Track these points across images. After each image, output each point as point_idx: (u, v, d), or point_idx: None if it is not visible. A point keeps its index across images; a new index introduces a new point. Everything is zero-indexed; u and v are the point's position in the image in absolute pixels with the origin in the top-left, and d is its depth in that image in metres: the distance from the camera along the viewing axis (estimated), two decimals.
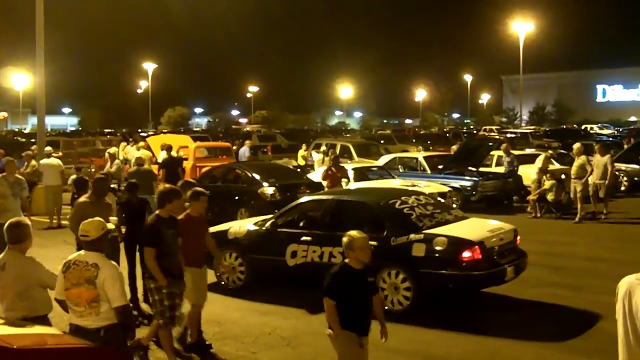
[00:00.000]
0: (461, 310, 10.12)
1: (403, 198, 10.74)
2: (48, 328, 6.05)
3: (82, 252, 6.05)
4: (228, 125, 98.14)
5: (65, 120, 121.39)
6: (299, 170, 24.24)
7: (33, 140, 35.81)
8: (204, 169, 21.98)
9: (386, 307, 9.58)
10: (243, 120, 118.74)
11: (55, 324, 6.51)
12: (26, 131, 74.56)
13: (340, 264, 6.31)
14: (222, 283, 11.29)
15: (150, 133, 53.04)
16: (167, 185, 8.90)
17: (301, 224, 11.22)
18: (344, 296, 6.07)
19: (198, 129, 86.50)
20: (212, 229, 10.11)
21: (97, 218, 6.44)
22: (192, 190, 8.83)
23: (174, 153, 20.91)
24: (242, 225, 11.75)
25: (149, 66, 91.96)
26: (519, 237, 10.70)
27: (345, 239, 6.21)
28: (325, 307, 6.11)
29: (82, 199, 10.00)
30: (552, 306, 10.20)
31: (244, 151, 27.22)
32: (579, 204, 17.88)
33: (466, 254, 9.40)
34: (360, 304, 6.19)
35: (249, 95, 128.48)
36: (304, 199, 11.95)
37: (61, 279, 5.99)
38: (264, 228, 11.29)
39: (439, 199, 12.98)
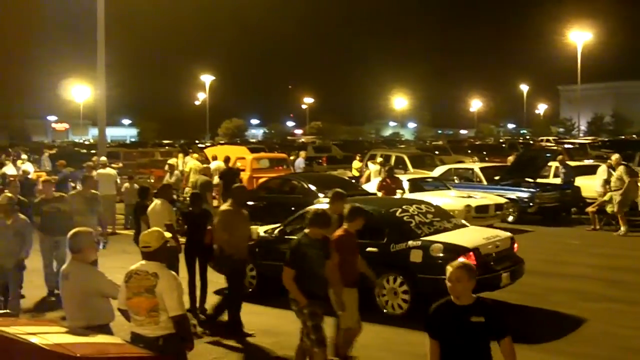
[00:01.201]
0: None
1: (404, 207, 11.23)
2: (110, 337, 6.22)
3: (143, 261, 6.13)
4: (283, 137, 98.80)
5: (125, 132, 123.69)
6: (354, 181, 24.33)
7: (93, 151, 36.69)
8: (260, 180, 22.21)
9: (385, 311, 10.35)
10: (298, 132, 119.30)
11: (116, 332, 6.62)
12: (87, 142, 76.11)
13: (445, 300, 5.16)
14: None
15: (207, 144, 53.74)
16: (350, 206, 8.60)
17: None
18: (444, 337, 5.06)
19: (254, 140, 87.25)
20: None
21: (156, 228, 6.59)
22: (352, 207, 8.50)
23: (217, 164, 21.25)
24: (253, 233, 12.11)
25: (207, 78, 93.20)
26: (516, 245, 11.01)
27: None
28: (428, 347, 5.15)
29: (225, 207, 9.97)
30: (560, 315, 10.21)
31: (300, 162, 27.44)
32: (620, 216, 17.65)
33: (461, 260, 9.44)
34: (465, 351, 5.04)
35: (304, 106, 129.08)
36: (311, 207, 12.12)
37: (123, 288, 6.10)
38: (273, 235, 11.77)
39: (466, 207, 12.86)
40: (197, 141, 69.90)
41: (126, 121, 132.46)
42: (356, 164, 28.98)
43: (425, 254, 10.07)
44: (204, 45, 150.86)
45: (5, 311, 7.75)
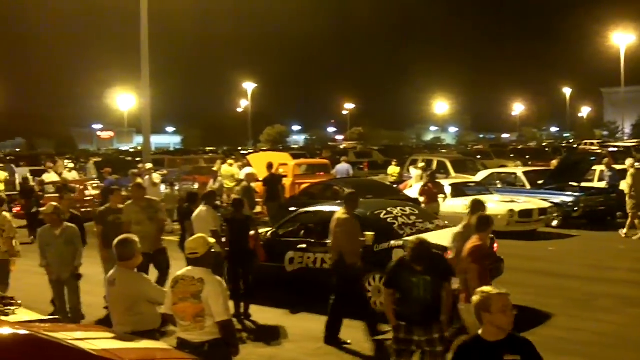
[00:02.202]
0: None
1: (389, 209, 11.78)
2: (156, 342, 6.28)
3: (189, 267, 6.22)
4: (325, 143, 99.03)
5: (169, 139, 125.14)
6: (395, 186, 24.30)
7: (138, 159, 37.24)
8: (302, 186, 22.31)
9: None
10: (339, 137, 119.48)
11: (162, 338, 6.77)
12: (132, 150, 77.16)
13: (473, 336, 4.69)
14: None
15: (250, 151, 54.15)
16: (480, 215, 8.23)
17: (298, 234, 12.37)
18: None
19: (296, 147, 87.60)
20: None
21: (202, 235, 6.67)
22: (482, 217, 8.15)
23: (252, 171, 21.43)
24: None
25: (249, 86, 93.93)
26: (495, 245, 11.27)
27: (476, 298, 4.61)
28: None
29: (342, 214, 9.69)
30: (604, 320, 10.07)
31: (341, 167, 27.49)
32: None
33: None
34: None
35: (345, 112, 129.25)
36: (301, 210, 13.07)
37: (170, 294, 6.20)
38: (266, 237, 12.25)
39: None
40: (239, 148, 70.45)
41: (170, 129, 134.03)
42: (392, 169, 28.94)
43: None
44: (246, 53, 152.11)
45: (54, 317, 7.92)
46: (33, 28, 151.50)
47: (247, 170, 22.83)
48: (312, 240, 11.79)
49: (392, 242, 10.86)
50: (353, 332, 9.60)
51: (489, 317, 4.42)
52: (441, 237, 10.63)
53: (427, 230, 11.21)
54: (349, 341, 9.46)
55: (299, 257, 11.68)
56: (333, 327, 9.58)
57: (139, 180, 20.44)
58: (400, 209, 11.87)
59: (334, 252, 9.65)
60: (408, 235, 10.73)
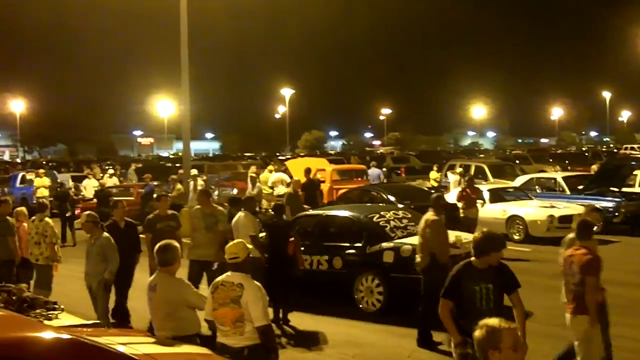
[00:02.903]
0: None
1: (382, 212, 12.36)
2: (196, 347, 6.32)
3: (229, 273, 6.26)
4: (362, 148, 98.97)
5: (208, 145, 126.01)
6: (433, 191, 24.21)
7: (178, 165, 37.59)
8: (340, 191, 22.36)
9: (360, 306, 11.26)
10: (376, 143, 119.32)
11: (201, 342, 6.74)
12: (172, 156, 77.88)
13: None
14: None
15: (287, 157, 54.34)
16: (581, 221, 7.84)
17: (306, 236, 12.62)
18: None
19: (332, 152, 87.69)
20: None
21: (241, 240, 6.76)
22: (584, 221, 7.82)
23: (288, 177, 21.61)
24: None
25: (287, 92, 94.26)
26: None
27: (479, 333, 3.98)
28: None
29: (432, 217, 9.82)
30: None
31: (372, 172, 27.46)
32: None
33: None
34: None
35: (382, 117, 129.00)
36: (301, 214, 13.65)
37: (210, 299, 6.25)
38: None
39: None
40: (277, 154, 70.72)
41: (209, 135, 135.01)
42: (434, 174, 28.83)
43: (396, 255, 11.08)
44: (284, 59, 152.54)
45: (96, 321, 8.03)
46: (75, 37, 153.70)
47: (277, 175, 23.12)
48: (308, 243, 12.19)
49: (383, 245, 11.33)
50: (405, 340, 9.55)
51: (497, 356, 3.81)
52: None
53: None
54: (441, 341, 9.27)
55: None
56: (427, 329, 9.53)
57: (179, 186, 20.78)
58: (393, 213, 12.46)
59: (424, 253, 9.73)
60: (399, 238, 11.45)
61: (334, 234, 12.36)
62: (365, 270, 11.37)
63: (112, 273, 10.07)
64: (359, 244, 11.63)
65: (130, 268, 11.03)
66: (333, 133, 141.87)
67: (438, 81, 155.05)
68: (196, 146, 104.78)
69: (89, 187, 24.03)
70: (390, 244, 11.29)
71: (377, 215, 12.15)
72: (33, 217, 12.14)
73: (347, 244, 11.81)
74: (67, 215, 21.16)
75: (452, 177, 25.51)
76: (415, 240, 10.81)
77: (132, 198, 21.72)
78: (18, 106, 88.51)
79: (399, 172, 36.87)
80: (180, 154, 63.80)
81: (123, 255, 10.24)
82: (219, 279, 6.31)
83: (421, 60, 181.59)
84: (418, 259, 9.91)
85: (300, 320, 10.98)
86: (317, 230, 12.56)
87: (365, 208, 13.70)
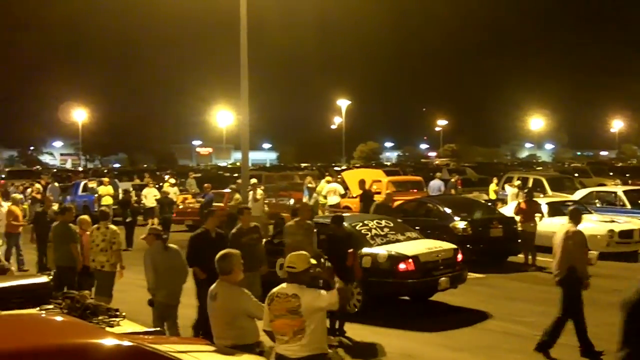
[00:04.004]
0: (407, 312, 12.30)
1: (366, 221, 13.17)
2: (255, 357, 6.45)
3: (284, 284, 6.29)
4: (417, 159, 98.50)
5: (265, 155, 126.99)
6: (490, 204, 23.98)
7: (236, 175, 38.00)
8: (395, 203, 22.28)
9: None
10: (432, 154, 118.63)
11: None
12: (230, 166, 78.71)
13: None
14: None
15: (343, 167, 54.44)
16: None
17: None
18: None
19: (388, 163, 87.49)
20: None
21: (304, 252, 6.72)
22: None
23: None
24: None
25: (343, 103, 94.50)
26: (460, 255, 12.66)
27: None
28: None
29: (570, 228, 9.82)
30: None
31: (434, 184, 27.34)
32: None
33: (402, 266, 11.71)
34: None
35: (438, 129, 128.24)
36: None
37: (267, 311, 6.28)
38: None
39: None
40: (333, 164, 70.89)
41: (266, 145, 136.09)
42: (493, 186, 28.56)
43: (373, 260, 11.93)
44: (341, 70, 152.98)
45: (157, 329, 8.18)
46: (137, 48, 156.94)
47: (331, 186, 23.31)
48: None
49: (363, 251, 12.11)
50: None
51: None
52: (407, 248, 12.18)
53: (397, 241, 12.56)
54: (602, 351, 9.21)
55: None
56: (585, 338, 9.39)
57: (238, 195, 20.99)
58: (377, 222, 13.22)
59: (563, 264, 9.61)
60: (378, 245, 12.25)
61: (321, 240, 12.41)
62: None
63: (149, 288, 9.94)
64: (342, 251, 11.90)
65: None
66: (388, 144, 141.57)
67: (495, 92, 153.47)
68: (254, 156, 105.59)
69: (149, 196, 24.51)
70: (369, 251, 12.11)
71: (361, 224, 12.96)
72: (97, 225, 12.37)
73: (332, 251, 11.91)
74: (127, 221, 21.92)
75: (510, 190, 25.23)
76: (391, 247, 12.14)
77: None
78: (80, 115, 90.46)
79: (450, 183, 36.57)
80: (238, 163, 64.51)
81: (212, 266, 10.08)
82: (274, 290, 6.32)
83: (478, 71, 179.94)
84: (555, 271, 9.77)
85: (356, 332, 10.98)
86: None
87: (352, 217, 14.56)
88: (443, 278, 11.99)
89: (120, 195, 27.70)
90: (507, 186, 26.73)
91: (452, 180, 30.61)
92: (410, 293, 12.35)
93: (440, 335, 10.81)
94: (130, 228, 21.97)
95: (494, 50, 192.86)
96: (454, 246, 12.89)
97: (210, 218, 11.20)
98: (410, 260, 11.74)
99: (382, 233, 12.73)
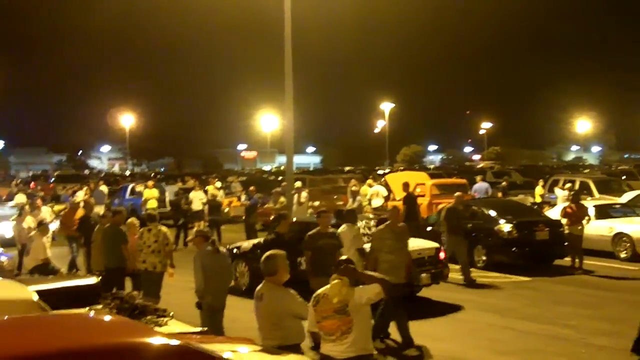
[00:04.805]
0: None
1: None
2: (301, 357, 6.51)
3: (328, 286, 6.30)
4: (461, 162, 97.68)
5: (309, 159, 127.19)
6: (535, 207, 23.75)
7: (280, 178, 38.21)
8: (440, 206, 22.18)
9: None
10: (476, 157, 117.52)
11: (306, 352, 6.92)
12: (274, 169, 79.11)
13: None
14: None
15: (386, 171, 54.30)
16: None
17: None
18: None
19: (432, 166, 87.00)
20: (230, 246, 14.85)
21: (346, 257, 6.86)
22: None
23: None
24: (250, 242, 15.36)
25: (386, 106, 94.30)
26: (442, 254, 13.62)
27: None
28: None
29: None
30: None
31: (479, 186, 27.11)
32: None
33: None
34: None
35: (482, 131, 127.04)
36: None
37: (312, 312, 6.31)
38: (261, 242, 13.24)
39: None
40: (376, 167, 70.76)
41: (310, 149, 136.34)
42: (539, 189, 28.25)
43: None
44: (384, 74, 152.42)
45: (204, 329, 8.28)
46: (183, 55, 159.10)
47: (374, 188, 23.42)
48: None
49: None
50: None
51: None
52: None
53: None
54: None
55: None
56: None
57: (282, 199, 21.14)
58: (366, 222, 14.17)
59: None
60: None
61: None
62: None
63: (197, 290, 9.93)
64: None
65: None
66: (432, 147, 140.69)
67: (541, 94, 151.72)
68: (297, 160, 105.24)
69: (195, 200, 24.81)
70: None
71: None
72: (148, 227, 12.57)
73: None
74: (179, 223, 22.53)
75: (561, 193, 24.99)
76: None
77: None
78: (128, 121, 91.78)
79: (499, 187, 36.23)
80: (282, 167, 64.79)
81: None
82: (319, 291, 6.33)
83: (523, 73, 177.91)
84: None
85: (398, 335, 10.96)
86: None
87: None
88: (424, 274, 12.90)
89: (168, 198, 28.18)
90: (556, 189, 26.46)
91: (504, 183, 30.39)
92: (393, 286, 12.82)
93: (486, 339, 10.76)
94: (181, 230, 22.60)
95: (539, 51, 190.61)
96: (437, 245, 14.00)
97: (283, 221, 11.22)
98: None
99: (369, 232, 13.19)
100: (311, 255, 10.59)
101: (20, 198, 26.94)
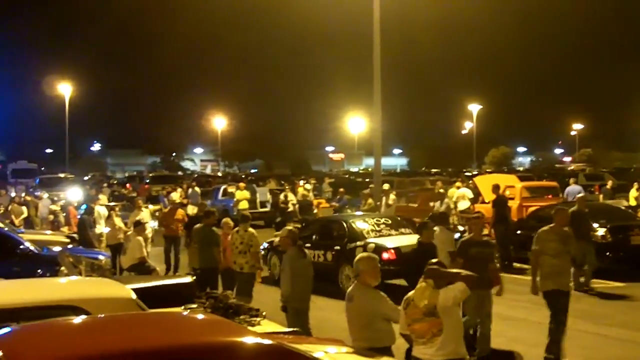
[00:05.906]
0: None
1: (366, 219, 15.97)
2: (392, 359, 6.57)
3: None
4: (551, 164, 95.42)
5: (395, 161, 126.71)
6: (630, 210, 23.06)
7: (368, 180, 38.34)
8: (530, 209, 21.81)
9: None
10: (567, 159, 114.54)
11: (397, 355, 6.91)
12: (361, 171, 79.19)
13: None
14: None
15: (474, 173, 53.66)
16: None
17: (310, 236, 16.10)
18: None
19: (521, 169, 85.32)
20: (264, 243, 16.36)
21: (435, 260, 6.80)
22: None
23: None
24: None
25: (474, 107, 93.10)
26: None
27: None
28: None
29: None
30: None
31: (572, 189, 26.52)
32: None
33: (385, 255, 13.90)
34: None
35: (573, 133, 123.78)
36: (313, 220, 17.79)
37: (403, 314, 6.29)
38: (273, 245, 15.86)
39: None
40: (464, 170, 69.94)
41: (397, 151, 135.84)
42: (634, 192, 27.42)
43: (364, 250, 13.26)
44: (471, 75, 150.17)
45: (295, 329, 8.41)
46: (272, 59, 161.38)
47: (461, 191, 23.21)
48: (312, 241, 15.58)
49: (358, 242, 14.76)
50: None
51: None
52: (393, 240, 14.70)
53: (390, 235, 15.04)
54: None
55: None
56: None
57: (371, 200, 21.24)
58: (376, 220, 15.77)
59: None
60: (371, 238, 14.75)
61: (329, 235, 16.00)
62: (345, 263, 14.45)
63: (283, 294, 9.89)
64: (344, 242, 15.18)
65: None
66: (521, 149, 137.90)
67: (634, 94, 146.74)
68: (384, 162, 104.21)
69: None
70: (362, 242, 14.65)
71: (361, 221, 15.79)
72: (237, 228, 12.87)
73: (335, 242, 15.47)
74: (277, 221, 23.28)
75: None
76: (380, 240, 14.63)
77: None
78: (220, 123, 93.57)
79: (592, 190, 35.34)
80: (369, 169, 64.89)
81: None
82: (409, 294, 6.30)
83: (616, 72, 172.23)
84: None
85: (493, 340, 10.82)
86: (319, 231, 16.41)
87: (354, 216, 17.96)
88: None
89: (258, 199, 28.70)
90: None
91: (608, 187, 29.62)
92: (393, 277, 13.71)
93: (578, 346, 10.50)
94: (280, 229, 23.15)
95: (631, 50, 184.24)
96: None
97: (425, 231, 10.91)
98: (391, 250, 14.19)
99: (377, 228, 15.24)
100: (462, 262, 9.70)
101: (102, 199, 27.30)
